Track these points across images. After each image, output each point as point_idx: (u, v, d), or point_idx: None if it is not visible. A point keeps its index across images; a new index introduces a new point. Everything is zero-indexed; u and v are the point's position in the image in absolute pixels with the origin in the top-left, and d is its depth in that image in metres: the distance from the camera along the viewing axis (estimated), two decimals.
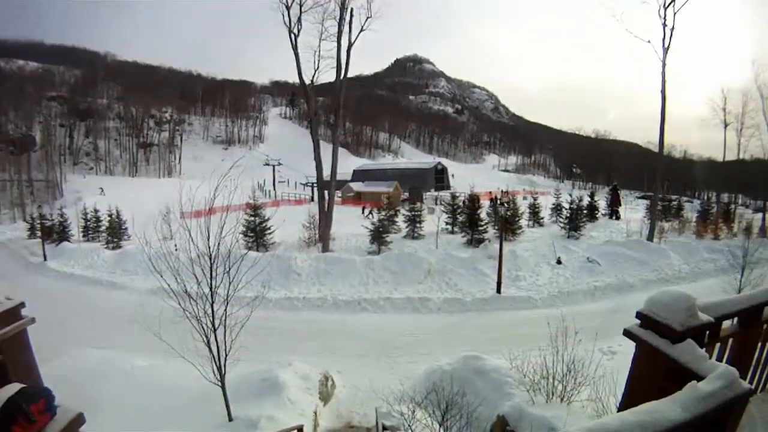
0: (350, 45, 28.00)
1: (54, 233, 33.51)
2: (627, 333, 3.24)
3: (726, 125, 49.67)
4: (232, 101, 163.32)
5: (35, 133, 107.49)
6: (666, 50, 29.61)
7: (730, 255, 20.08)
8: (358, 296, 19.65)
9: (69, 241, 32.98)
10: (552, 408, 8.16)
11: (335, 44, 27.82)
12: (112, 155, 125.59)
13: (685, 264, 25.14)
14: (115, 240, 31.13)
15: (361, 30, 28.27)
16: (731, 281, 18.37)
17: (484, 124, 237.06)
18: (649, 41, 30.23)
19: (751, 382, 4.25)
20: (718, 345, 3.66)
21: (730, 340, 3.84)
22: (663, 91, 29.85)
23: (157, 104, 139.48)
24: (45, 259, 29.23)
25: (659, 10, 29.38)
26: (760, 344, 4.26)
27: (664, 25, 29.44)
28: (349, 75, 29.38)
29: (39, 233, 33.45)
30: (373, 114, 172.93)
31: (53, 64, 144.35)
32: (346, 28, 27.82)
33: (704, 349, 3.29)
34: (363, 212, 43.97)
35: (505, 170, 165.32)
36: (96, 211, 36.20)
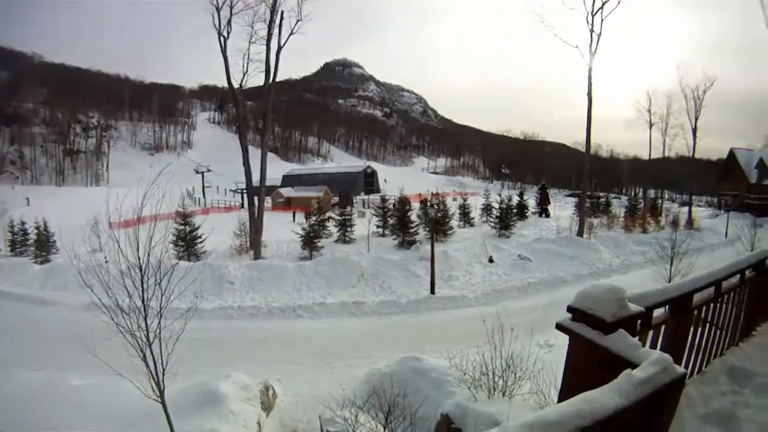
0: (279, 48, 27.78)
1: None
2: (560, 327, 3.30)
3: (651, 125, 52.39)
4: (160, 106, 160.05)
5: None
6: (593, 55, 30.63)
7: (658, 247, 20.76)
8: (292, 303, 19.36)
9: None
10: (495, 403, 8.25)
11: (264, 47, 27.58)
12: (38, 163, 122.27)
13: (616, 257, 26.01)
14: (44, 254, 30.07)
15: (291, 33, 28.09)
16: (661, 271, 19.01)
17: (413, 127, 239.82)
18: (576, 46, 31.30)
19: (686, 366, 4.47)
20: (651, 333, 3.77)
21: (663, 328, 3.96)
22: (589, 94, 31.00)
23: (83, 108, 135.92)
24: None
25: (587, 17, 30.43)
26: (693, 329, 4.44)
27: (592, 31, 30.56)
28: (278, 79, 29.27)
29: None
30: (303, 118, 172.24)
31: None
32: (275, 31, 27.59)
33: (637, 337, 3.41)
34: (293, 218, 43.49)
35: (435, 172, 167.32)
36: (23, 223, 34.91)
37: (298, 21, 28.10)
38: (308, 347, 15.25)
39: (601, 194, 47.32)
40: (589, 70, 30.82)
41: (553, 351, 10.55)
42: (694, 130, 48.71)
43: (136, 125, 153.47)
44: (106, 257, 13.72)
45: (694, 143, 49.66)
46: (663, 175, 70.60)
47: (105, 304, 8.04)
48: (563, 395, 3.30)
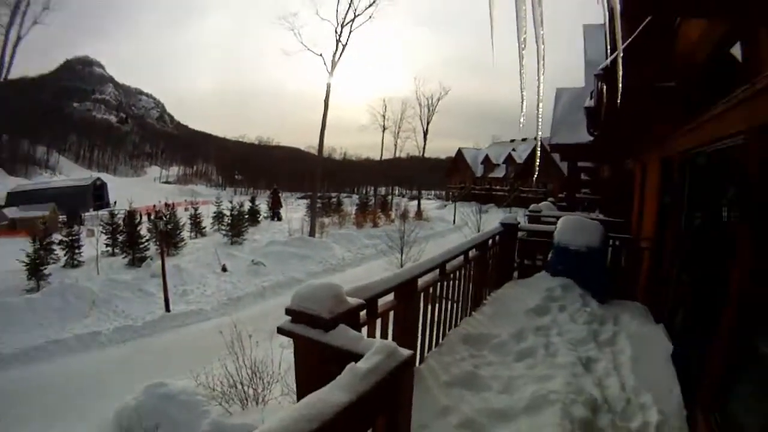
0: (19, 39, 24.64)
1: None
2: (280, 331, 3.24)
3: (384, 129, 56.58)
4: None
5: None
6: (335, 64, 32.31)
7: (388, 239, 22.14)
8: (23, 345, 16.64)
9: None
10: (250, 413, 8.24)
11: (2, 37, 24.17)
12: None
13: (348, 252, 27.53)
14: None
15: (35, 22, 25.09)
16: (393, 260, 20.24)
17: (148, 134, 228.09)
18: (321, 54, 33.09)
19: (423, 342, 5.00)
20: (379, 322, 3.87)
21: (392, 314, 4.09)
22: (326, 100, 32.32)
23: None
24: None
25: (336, 28, 32.36)
26: (425, 308, 4.90)
27: (338, 41, 32.42)
28: (11, 76, 26.14)
29: None
30: (34, 124, 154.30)
31: None
32: (18, 19, 24.38)
33: (365, 328, 3.55)
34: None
35: (167, 182, 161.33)
36: None
37: (44, 9, 25.29)
38: (47, 394, 13.47)
39: (333, 194, 49.23)
40: (330, 78, 32.27)
41: None
42: (425, 133, 54.59)
43: None
44: None
45: (425, 144, 56.06)
46: (394, 174, 75.46)
47: None
48: (298, 399, 3.26)
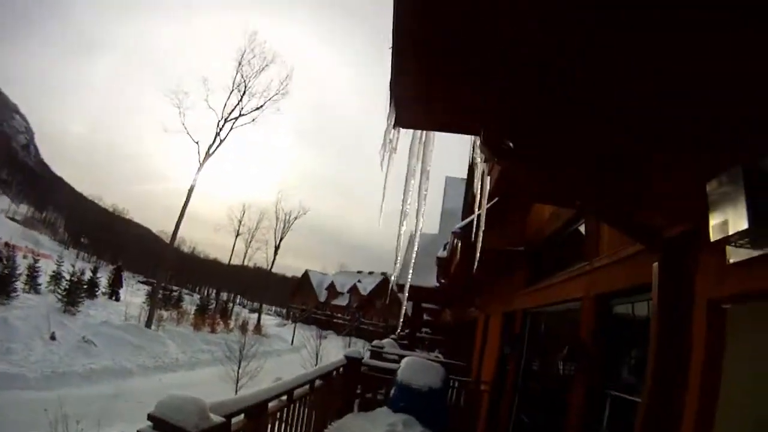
0: None
1: None
2: None
3: (238, 235, 56.30)
4: None
5: None
6: (209, 156, 32.73)
7: (227, 348, 21.61)
8: None
9: None
10: None
11: None
12: None
13: (183, 353, 26.41)
14: None
15: None
16: (229, 372, 19.61)
17: (9, 159, 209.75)
18: (198, 142, 33.04)
19: None
20: None
21: None
22: (190, 191, 32.58)
23: None
24: None
25: (219, 122, 32.93)
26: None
27: (218, 134, 33.00)
28: None
29: None
30: None
31: None
32: None
33: None
34: None
35: (14, 219, 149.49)
36: None
37: None
38: None
39: (175, 288, 47.72)
40: (200, 168, 32.54)
41: None
42: (277, 248, 54.88)
43: None
44: None
45: (274, 259, 55.74)
46: (240, 282, 74.30)
47: None
48: None
